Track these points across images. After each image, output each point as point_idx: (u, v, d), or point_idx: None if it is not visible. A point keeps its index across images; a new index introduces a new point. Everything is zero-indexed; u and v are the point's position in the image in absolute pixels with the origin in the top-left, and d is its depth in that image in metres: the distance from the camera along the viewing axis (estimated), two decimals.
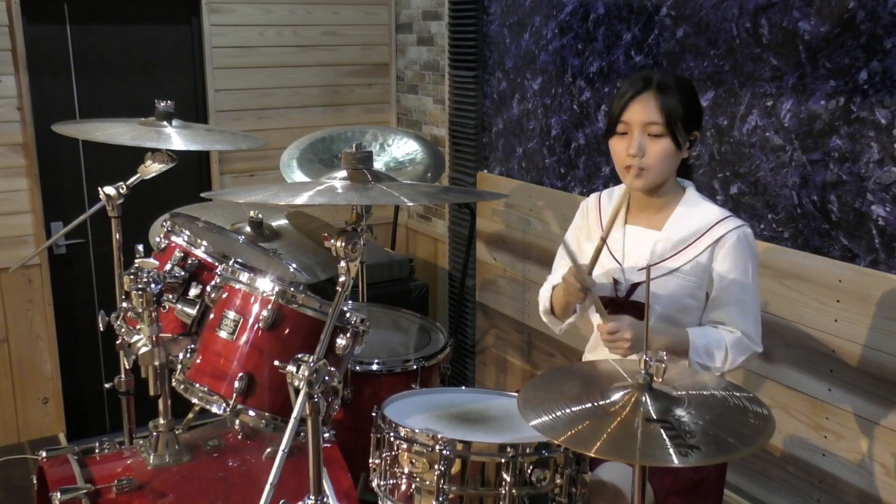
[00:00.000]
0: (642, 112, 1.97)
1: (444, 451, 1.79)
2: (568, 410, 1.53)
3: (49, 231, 3.80)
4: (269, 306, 1.99)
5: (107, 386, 2.79)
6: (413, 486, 1.85)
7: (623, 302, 2.08)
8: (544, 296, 2.26)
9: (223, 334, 2.03)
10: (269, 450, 2.25)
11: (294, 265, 2.62)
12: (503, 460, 1.79)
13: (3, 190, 3.69)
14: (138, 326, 2.18)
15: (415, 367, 2.59)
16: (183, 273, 2.20)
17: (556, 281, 2.25)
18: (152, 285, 2.09)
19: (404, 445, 1.85)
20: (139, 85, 3.95)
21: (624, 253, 2.10)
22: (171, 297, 2.17)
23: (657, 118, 1.95)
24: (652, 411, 1.49)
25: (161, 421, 2.22)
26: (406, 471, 1.85)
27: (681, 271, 2.01)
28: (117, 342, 2.52)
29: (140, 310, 2.10)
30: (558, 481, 1.83)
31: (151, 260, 2.23)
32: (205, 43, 3.97)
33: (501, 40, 3.67)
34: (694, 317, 2.05)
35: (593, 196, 2.25)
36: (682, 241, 2.02)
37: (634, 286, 2.06)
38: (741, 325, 2.00)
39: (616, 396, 1.54)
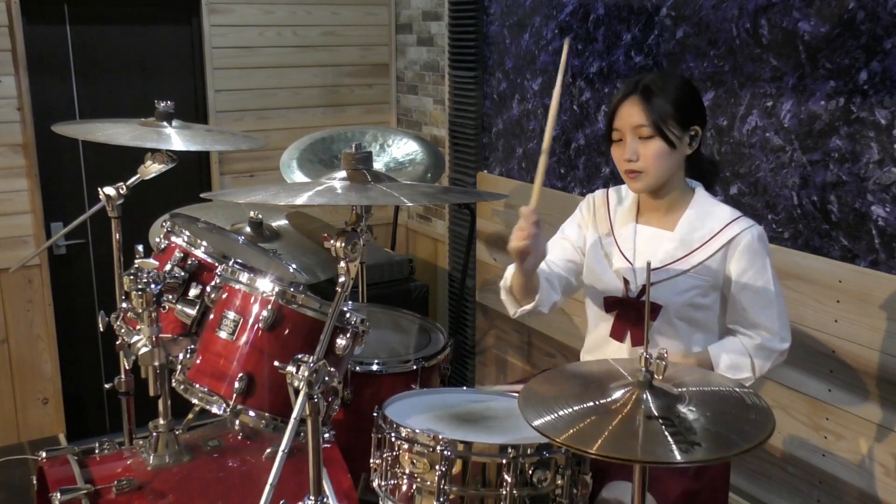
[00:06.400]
0: (629, 116, 1.98)
1: (445, 452, 1.79)
2: (569, 409, 1.53)
3: (49, 231, 3.80)
4: (269, 307, 1.98)
5: (107, 386, 2.79)
6: (414, 486, 1.85)
7: (634, 302, 2.08)
8: (507, 276, 2.13)
9: (223, 335, 2.03)
10: (269, 450, 2.25)
11: (294, 265, 2.62)
12: (504, 461, 1.79)
13: (3, 190, 3.69)
14: (138, 327, 2.18)
15: (415, 367, 2.58)
16: (183, 273, 2.20)
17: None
18: (152, 286, 2.09)
19: (405, 446, 1.85)
20: (139, 85, 3.95)
21: (635, 252, 2.10)
22: (170, 297, 2.16)
23: (643, 120, 1.96)
24: (653, 409, 1.49)
25: (161, 421, 2.22)
26: (407, 471, 1.85)
27: (693, 272, 2.02)
28: (117, 343, 2.51)
29: (140, 310, 2.09)
30: (559, 482, 1.83)
31: (151, 260, 2.23)
32: (205, 43, 3.97)
33: (501, 41, 3.67)
34: (711, 312, 2.06)
35: (601, 192, 2.23)
36: (695, 242, 2.03)
37: (645, 286, 2.05)
38: (764, 321, 2.00)
39: (617, 394, 1.54)
